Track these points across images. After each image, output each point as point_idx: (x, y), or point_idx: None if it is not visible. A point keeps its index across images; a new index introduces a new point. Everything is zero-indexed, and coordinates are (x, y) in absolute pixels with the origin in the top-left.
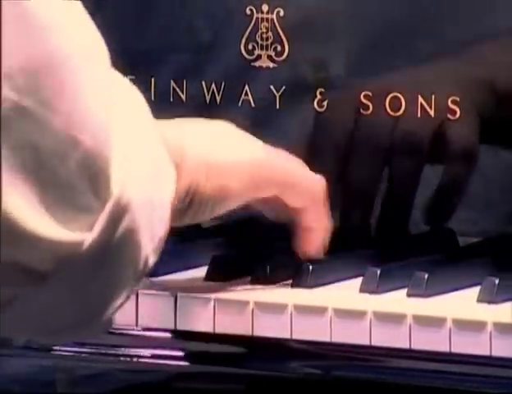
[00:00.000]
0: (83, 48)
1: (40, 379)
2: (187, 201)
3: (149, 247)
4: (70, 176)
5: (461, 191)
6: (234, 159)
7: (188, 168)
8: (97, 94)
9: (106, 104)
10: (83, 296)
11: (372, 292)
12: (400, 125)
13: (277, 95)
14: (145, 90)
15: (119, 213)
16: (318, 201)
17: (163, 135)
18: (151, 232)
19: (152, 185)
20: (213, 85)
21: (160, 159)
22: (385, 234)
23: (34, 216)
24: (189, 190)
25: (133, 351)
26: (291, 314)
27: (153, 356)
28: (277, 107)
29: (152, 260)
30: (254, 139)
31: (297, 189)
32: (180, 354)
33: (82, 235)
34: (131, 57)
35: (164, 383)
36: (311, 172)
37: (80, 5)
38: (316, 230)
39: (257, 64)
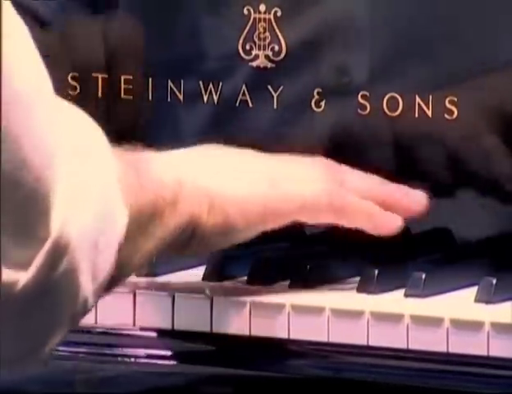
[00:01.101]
0: (31, 83)
1: (60, 380)
2: (188, 233)
3: (89, 289)
4: (9, 213)
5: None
6: (237, 194)
7: (187, 200)
8: (44, 132)
9: (54, 142)
10: (16, 335)
11: (369, 292)
12: (397, 125)
13: (275, 95)
14: (143, 90)
15: (57, 252)
16: (338, 213)
17: (155, 167)
18: (93, 274)
19: (97, 226)
20: (211, 85)
21: (110, 200)
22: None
23: None
24: (190, 222)
25: (130, 351)
26: (289, 314)
27: (151, 356)
28: (275, 107)
29: (91, 301)
30: (256, 158)
31: (312, 213)
32: (178, 354)
33: (17, 274)
34: (128, 58)
35: (164, 384)
36: (315, 186)
37: (24, 29)
38: (367, 226)
39: (254, 64)
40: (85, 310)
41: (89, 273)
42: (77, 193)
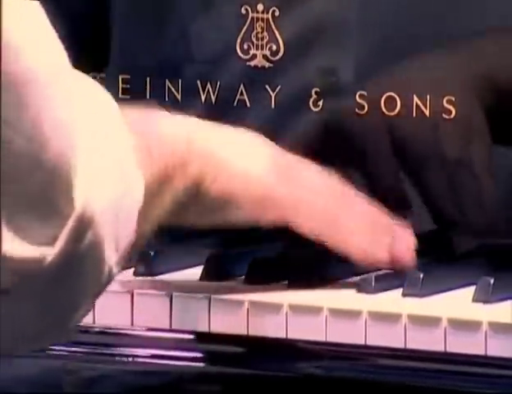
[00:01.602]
0: (47, 61)
1: (47, 381)
2: (191, 194)
3: (113, 259)
4: (32, 192)
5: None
6: (244, 170)
7: (195, 160)
8: (63, 109)
9: (71, 118)
10: (44, 309)
11: (367, 292)
12: (396, 125)
13: (273, 95)
14: (141, 90)
15: (82, 227)
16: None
17: (165, 128)
18: (116, 244)
19: (118, 197)
20: (209, 85)
21: (127, 169)
22: None
23: None
24: (194, 183)
25: (128, 351)
26: (287, 314)
27: (149, 356)
28: (273, 106)
29: (115, 271)
30: (270, 148)
31: (312, 222)
32: (176, 354)
33: (43, 249)
34: (127, 57)
35: (162, 384)
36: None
37: (38, 7)
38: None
39: (252, 63)
40: (109, 280)
41: (112, 244)
42: (97, 166)
